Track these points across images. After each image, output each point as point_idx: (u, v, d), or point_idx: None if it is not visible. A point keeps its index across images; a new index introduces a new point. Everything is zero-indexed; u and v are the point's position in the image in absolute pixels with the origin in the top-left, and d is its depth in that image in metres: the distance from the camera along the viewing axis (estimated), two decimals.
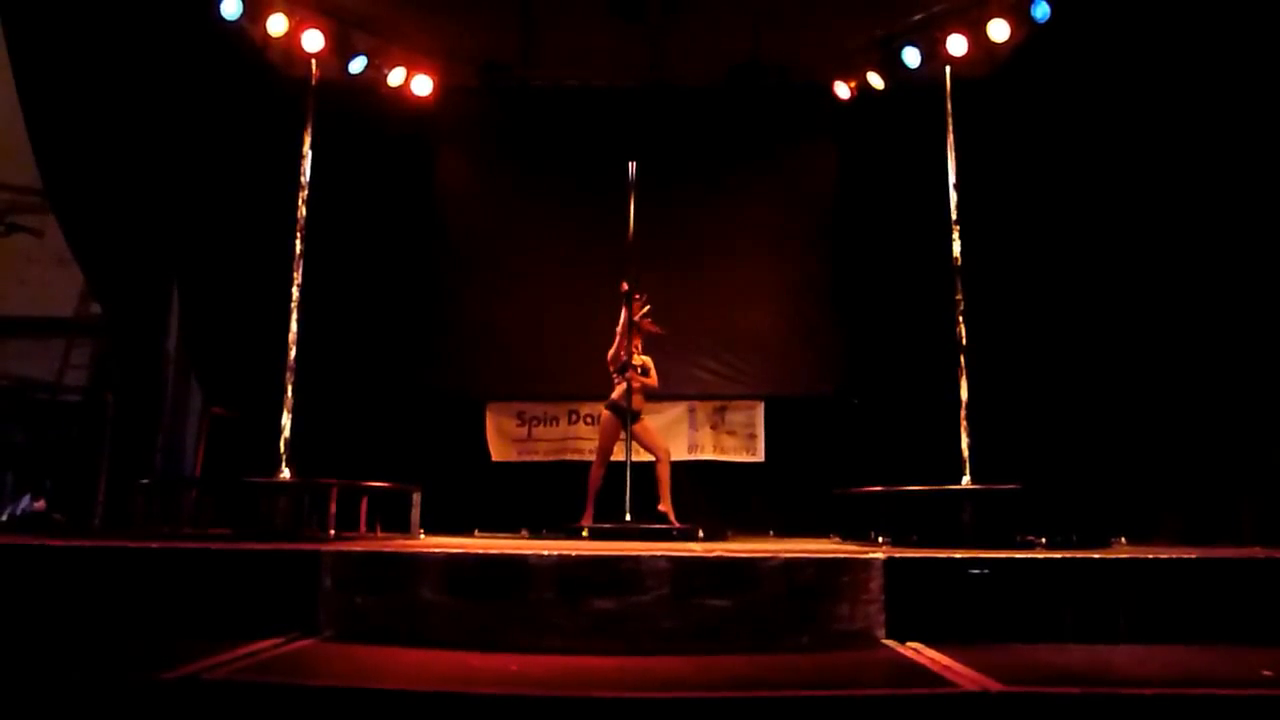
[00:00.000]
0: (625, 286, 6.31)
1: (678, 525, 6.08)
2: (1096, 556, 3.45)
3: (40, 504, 6.81)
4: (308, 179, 5.72)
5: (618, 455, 6.49)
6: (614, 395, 6.45)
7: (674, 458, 7.44)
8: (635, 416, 6.34)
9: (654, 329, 6.48)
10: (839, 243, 7.72)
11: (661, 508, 6.35)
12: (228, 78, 6.64)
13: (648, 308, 6.50)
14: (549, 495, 7.14)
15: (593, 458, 6.60)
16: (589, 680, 2.78)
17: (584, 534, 5.73)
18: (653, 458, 6.47)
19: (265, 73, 6.50)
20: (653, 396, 6.74)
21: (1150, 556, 3.44)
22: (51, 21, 6.02)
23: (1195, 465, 5.67)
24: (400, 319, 7.63)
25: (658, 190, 6.92)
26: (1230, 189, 5.65)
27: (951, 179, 5.80)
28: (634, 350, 6.48)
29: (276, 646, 3.09)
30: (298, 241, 5.65)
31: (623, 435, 6.26)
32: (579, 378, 6.87)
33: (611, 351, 6.45)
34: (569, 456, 7.58)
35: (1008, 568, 3.38)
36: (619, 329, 6.48)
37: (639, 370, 6.43)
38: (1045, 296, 6.70)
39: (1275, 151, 5.45)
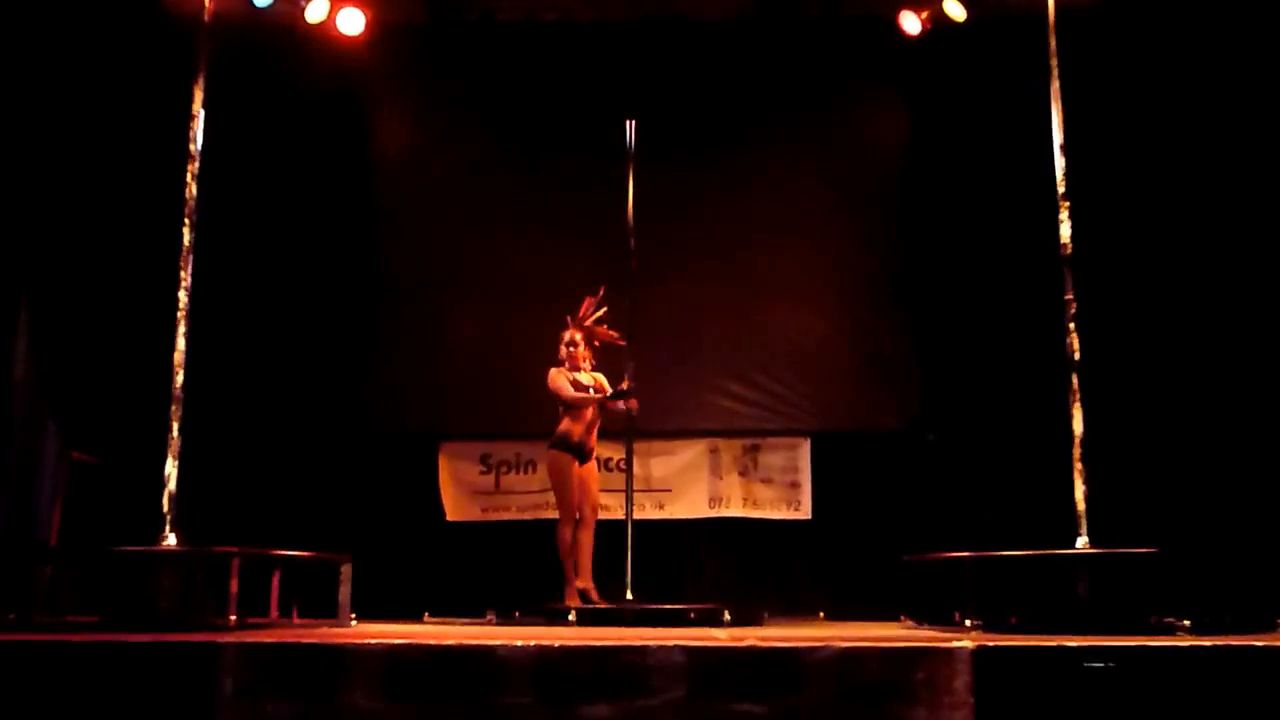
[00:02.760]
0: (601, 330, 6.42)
1: (670, 607, 6.00)
2: (1259, 644, 3.43)
3: None
4: (199, 148, 5.72)
5: (615, 514, 6.48)
6: (561, 427, 6.44)
7: (692, 513, 7.53)
8: (588, 455, 6.42)
9: (613, 338, 6.48)
10: (907, 226, 7.72)
11: (581, 585, 6.31)
12: (98, 20, 6.66)
13: (602, 310, 6.48)
14: (523, 565, 7.15)
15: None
16: None
17: (570, 617, 5.73)
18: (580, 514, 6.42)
19: (147, 11, 6.53)
20: (643, 432, 6.77)
21: None
22: None
23: None
24: (325, 334, 7.63)
25: (664, 158, 6.96)
26: None
27: (1058, 139, 5.81)
28: (585, 365, 6.50)
29: None
30: (186, 231, 5.64)
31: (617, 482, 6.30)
32: None
33: (576, 398, 6.42)
34: (550, 514, 7.55)
35: (1139, 659, 3.37)
36: (574, 378, 6.47)
37: (592, 391, 6.45)
38: (1187, 296, 6.68)
39: None
